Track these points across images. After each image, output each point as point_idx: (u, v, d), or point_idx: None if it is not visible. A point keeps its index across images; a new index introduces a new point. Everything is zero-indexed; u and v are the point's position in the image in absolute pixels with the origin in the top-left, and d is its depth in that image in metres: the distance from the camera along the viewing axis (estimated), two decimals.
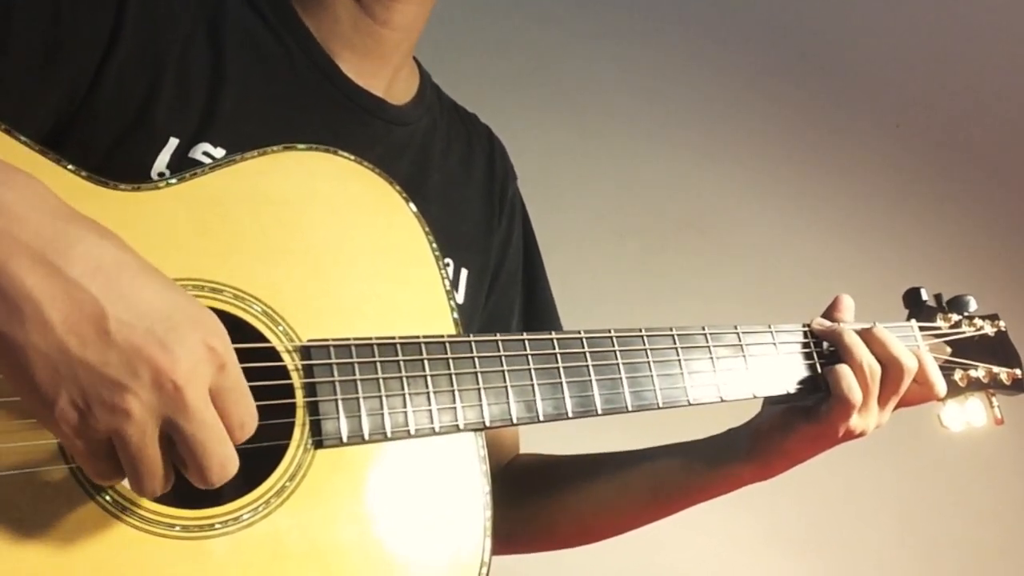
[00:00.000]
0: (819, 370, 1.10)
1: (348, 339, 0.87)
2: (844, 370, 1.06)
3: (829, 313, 1.16)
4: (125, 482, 0.72)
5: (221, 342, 0.70)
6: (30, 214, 0.66)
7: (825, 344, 1.12)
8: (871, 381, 1.07)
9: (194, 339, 0.68)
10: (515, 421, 0.93)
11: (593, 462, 1.23)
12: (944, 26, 2.85)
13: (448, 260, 1.13)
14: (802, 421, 1.08)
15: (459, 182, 1.22)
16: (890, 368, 1.08)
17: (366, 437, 0.85)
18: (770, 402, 1.14)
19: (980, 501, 2.67)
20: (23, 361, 0.64)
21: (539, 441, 1.30)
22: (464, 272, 1.17)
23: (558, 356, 0.97)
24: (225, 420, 0.70)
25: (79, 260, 0.66)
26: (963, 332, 1.23)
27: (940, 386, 1.12)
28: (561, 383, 0.96)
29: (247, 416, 0.72)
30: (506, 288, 1.27)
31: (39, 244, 0.65)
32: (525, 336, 0.96)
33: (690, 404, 1.03)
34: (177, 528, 0.77)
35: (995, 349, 1.23)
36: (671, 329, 1.04)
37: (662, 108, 2.76)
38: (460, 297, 1.15)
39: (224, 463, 0.70)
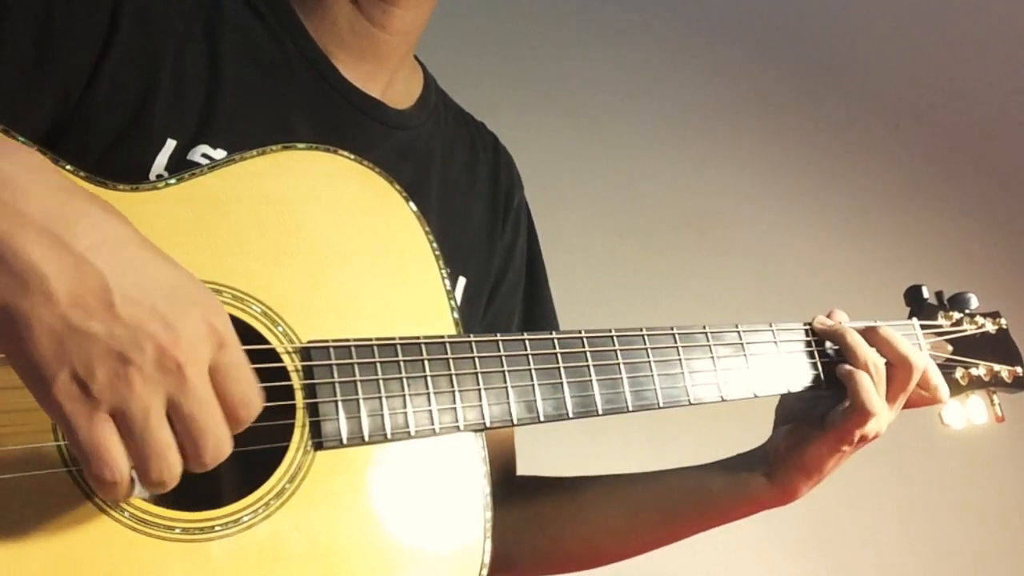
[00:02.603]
0: (820, 368, 1.10)
1: (348, 340, 0.87)
2: (864, 379, 1.05)
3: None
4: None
5: (221, 320, 0.70)
6: (35, 187, 0.66)
7: (827, 343, 1.11)
8: (877, 381, 1.06)
9: (195, 316, 0.68)
10: (516, 421, 0.93)
11: (601, 483, 1.22)
12: (944, 26, 2.85)
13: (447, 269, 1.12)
14: (816, 430, 1.08)
15: (461, 189, 1.21)
16: (899, 367, 1.08)
17: (366, 438, 0.85)
18: (779, 422, 1.14)
19: (981, 501, 2.67)
20: (26, 333, 0.63)
21: (543, 441, 1.29)
22: (461, 280, 1.15)
23: (559, 356, 0.96)
24: (227, 398, 0.70)
25: (85, 234, 0.65)
26: (964, 330, 1.23)
27: (943, 390, 1.12)
28: (562, 383, 0.96)
29: (250, 393, 0.71)
30: (507, 298, 1.25)
31: (44, 217, 0.65)
32: (525, 336, 0.96)
33: (691, 404, 1.03)
34: (177, 530, 0.77)
35: (996, 347, 1.23)
36: (672, 328, 1.04)
37: (662, 108, 2.76)
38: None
39: (219, 444, 0.69)
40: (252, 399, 0.72)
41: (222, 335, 0.69)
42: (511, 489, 1.24)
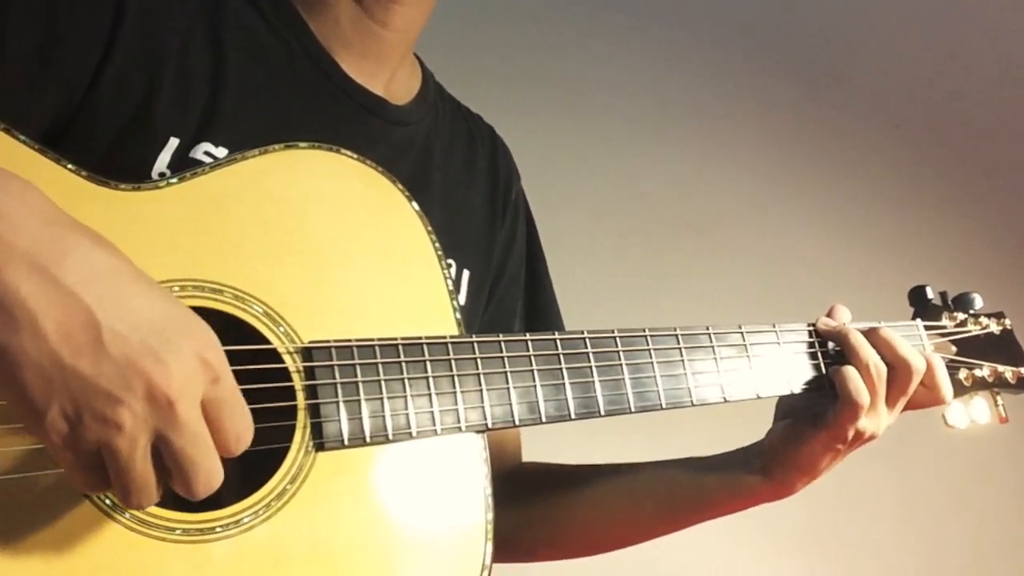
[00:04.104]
0: (824, 370, 1.09)
1: (350, 340, 0.87)
2: (851, 372, 1.06)
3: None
4: None
5: (215, 354, 0.69)
6: (26, 220, 0.65)
7: (830, 344, 1.11)
8: (878, 382, 1.06)
9: (188, 351, 0.67)
10: (518, 422, 0.93)
11: (602, 473, 1.22)
12: (944, 26, 2.85)
13: (450, 261, 1.12)
14: (810, 427, 1.08)
15: (461, 183, 1.22)
16: (898, 369, 1.07)
17: (367, 439, 0.85)
18: (779, 418, 1.14)
19: (980, 501, 2.67)
20: (15, 370, 0.63)
21: (542, 439, 1.29)
22: (466, 273, 1.16)
23: (561, 357, 0.96)
24: (220, 433, 0.70)
25: (74, 268, 0.65)
26: (969, 331, 1.22)
27: (947, 392, 1.11)
28: (564, 384, 0.95)
29: (243, 429, 0.71)
30: (508, 289, 1.26)
31: (34, 251, 0.64)
32: (528, 336, 0.95)
33: (694, 405, 1.02)
34: (178, 531, 0.76)
35: (1000, 347, 1.23)
36: (675, 329, 1.04)
37: (662, 108, 2.76)
38: (462, 298, 1.14)
39: (210, 477, 0.69)
40: (243, 434, 0.71)
41: (216, 369, 0.69)
42: (516, 475, 1.25)
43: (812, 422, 1.08)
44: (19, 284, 0.63)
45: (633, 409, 0.99)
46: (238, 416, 0.71)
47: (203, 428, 0.68)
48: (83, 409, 0.64)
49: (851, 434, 1.06)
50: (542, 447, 1.31)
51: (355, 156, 0.95)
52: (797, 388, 1.09)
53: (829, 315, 1.16)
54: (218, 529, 0.78)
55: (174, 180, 0.87)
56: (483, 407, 0.91)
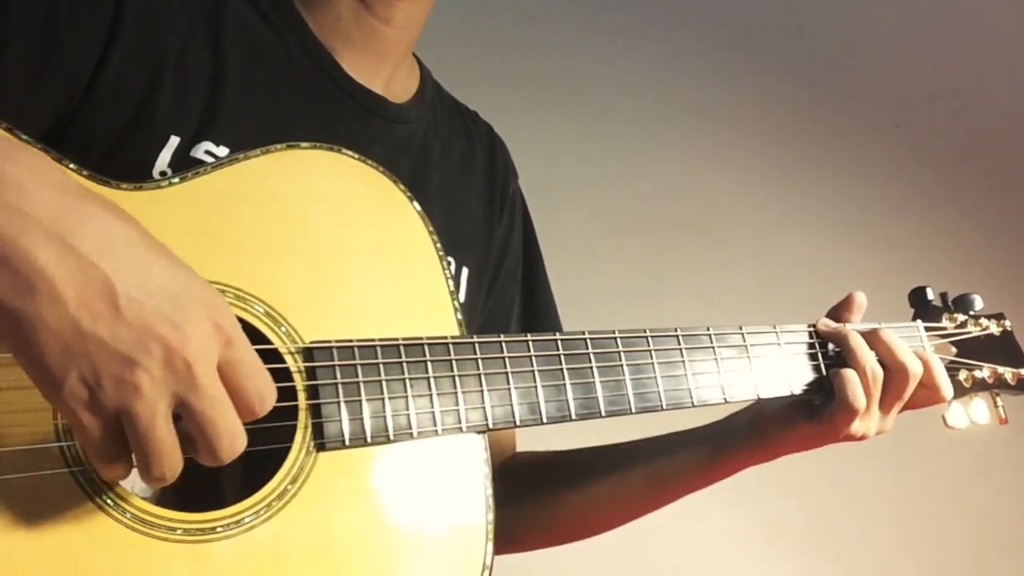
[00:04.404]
0: (824, 371, 1.10)
1: (351, 340, 0.87)
2: (851, 376, 1.06)
3: (838, 311, 1.15)
4: (130, 479, 0.71)
5: (227, 319, 0.70)
6: (41, 189, 0.65)
7: (831, 345, 1.11)
8: (873, 387, 1.06)
9: (201, 316, 0.68)
10: (518, 423, 0.93)
11: (592, 456, 1.24)
12: (944, 26, 2.85)
13: (450, 259, 1.12)
14: (804, 419, 1.09)
15: (459, 180, 1.22)
16: (896, 373, 1.08)
17: (368, 439, 0.85)
18: None
19: (980, 501, 2.67)
20: (34, 337, 0.63)
21: (543, 440, 1.29)
22: (465, 271, 1.17)
23: (562, 357, 0.96)
24: (241, 393, 0.70)
25: (91, 236, 0.65)
26: (969, 332, 1.22)
27: (947, 390, 1.12)
28: (565, 384, 0.95)
29: (264, 388, 0.72)
30: (506, 286, 1.27)
31: (50, 220, 0.64)
32: (529, 337, 0.95)
33: (695, 405, 1.03)
34: (179, 531, 0.76)
35: (1000, 348, 1.23)
36: (675, 330, 1.04)
37: (662, 108, 2.76)
38: (461, 296, 1.14)
39: (233, 439, 0.69)
40: (265, 392, 0.72)
41: (228, 332, 0.69)
42: (509, 467, 1.25)
43: (806, 414, 1.09)
44: (36, 253, 0.63)
45: (634, 410, 0.99)
46: (257, 376, 0.71)
47: (222, 391, 0.69)
48: (102, 374, 0.64)
49: (842, 435, 1.07)
50: (543, 448, 1.31)
51: (356, 156, 0.95)
52: (797, 389, 1.09)
53: (847, 302, 1.16)
54: (219, 529, 0.78)
55: (175, 180, 0.87)
56: (484, 407, 0.91)
